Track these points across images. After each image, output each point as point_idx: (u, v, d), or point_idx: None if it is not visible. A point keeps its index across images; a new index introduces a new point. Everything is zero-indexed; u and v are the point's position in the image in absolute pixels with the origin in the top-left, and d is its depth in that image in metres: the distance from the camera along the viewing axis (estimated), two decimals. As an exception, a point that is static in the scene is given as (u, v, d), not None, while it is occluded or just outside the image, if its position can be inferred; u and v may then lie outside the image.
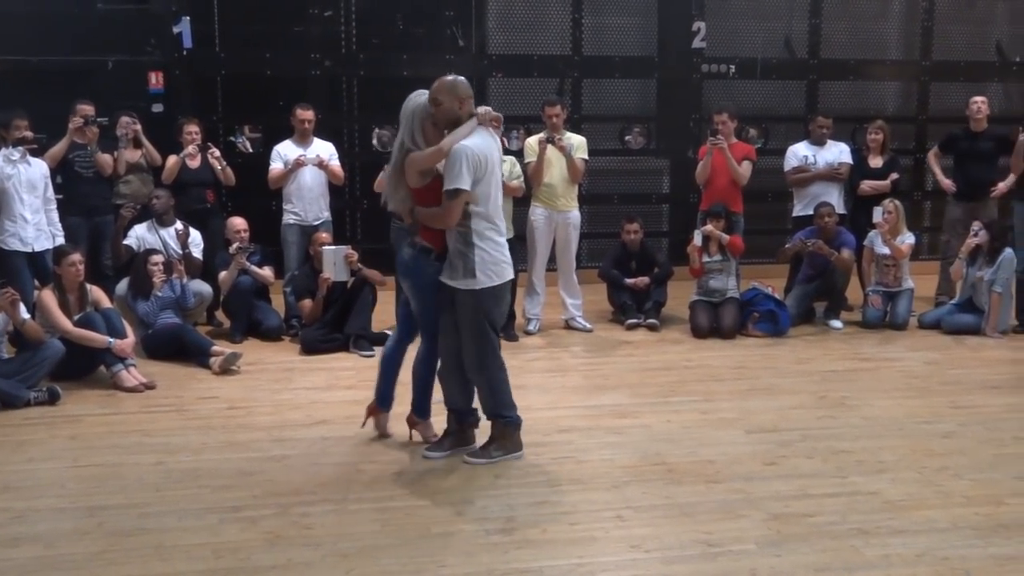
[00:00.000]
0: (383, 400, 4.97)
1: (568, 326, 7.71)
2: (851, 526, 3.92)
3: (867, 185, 8.18)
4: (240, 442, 5.01)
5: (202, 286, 7.29)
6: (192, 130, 7.62)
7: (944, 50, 10.60)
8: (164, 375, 6.27)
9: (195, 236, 7.36)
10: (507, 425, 4.70)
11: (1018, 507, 4.11)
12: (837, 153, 8.21)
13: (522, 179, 7.33)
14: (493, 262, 4.48)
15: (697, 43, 10.04)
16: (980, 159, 8.19)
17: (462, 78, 4.53)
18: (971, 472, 4.53)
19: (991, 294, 7.34)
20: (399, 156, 4.49)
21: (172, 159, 7.58)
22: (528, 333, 7.49)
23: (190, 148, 7.56)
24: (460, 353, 4.59)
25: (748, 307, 7.55)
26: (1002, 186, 8.08)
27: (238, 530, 3.90)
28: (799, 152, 8.28)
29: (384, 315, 7.41)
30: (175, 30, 8.98)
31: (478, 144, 4.41)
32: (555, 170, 7.36)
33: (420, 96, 4.50)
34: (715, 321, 7.45)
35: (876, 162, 8.27)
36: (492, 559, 3.64)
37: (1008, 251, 7.34)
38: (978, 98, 8.24)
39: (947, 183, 8.36)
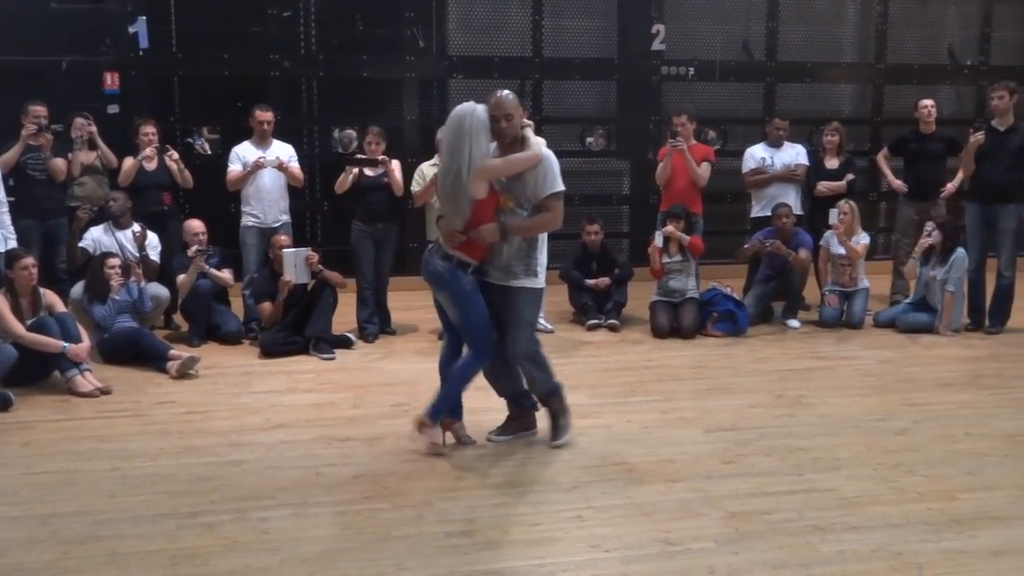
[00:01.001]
0: (454, 411, 4.94)
1: (529, 327, 7.70)
2: (807, 523, 3.97)
3: (823, 186, 8.29)
4: (197, 447, 4.96)
5: (159, 289, 7.21)
6: (149, 131, 7.53)
7: (897, 53, 10.80)
8: (120, 380, 6.18)
9: (152, 239, 7.26)
10: (561, 399, 4.93)
11: (969, 502, 4.19)
12: (794, 155, 8.31)
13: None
14: (545, 265, 4.82)
15: (656, 45, 10.12)
16: (930, 160, 8.40)
17: None
18: (924, 468, 4.61)
19: (944, 293, 7.47)
20: (466, 172, 4.47)
21: (129, 161, 7.49)
22: (489, 334, 7.48)
23: (148, 150, 7.47)
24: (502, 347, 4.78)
25: (707, 307, 7.62)
26: (950, 186, 8.35)
27: (195, 536, 3.86)
28: (756, 154, 8.38)
29: (345, 317, 7.38)
30: (131, 30, 8.86)
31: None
32: (516, 171, 7.36)
33: (479, 108, 4.55)
34: (675, 321, 7.51)
35: (832, 163, 8.39)
36: (453, 561, 3.64)
37: (960, 251, 7.48)
38: (927, 102, 8.43)
39: (898, 184, 8.55)
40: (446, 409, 4.82)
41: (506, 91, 4.64)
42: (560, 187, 4.63)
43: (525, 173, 4.59)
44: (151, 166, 7.54)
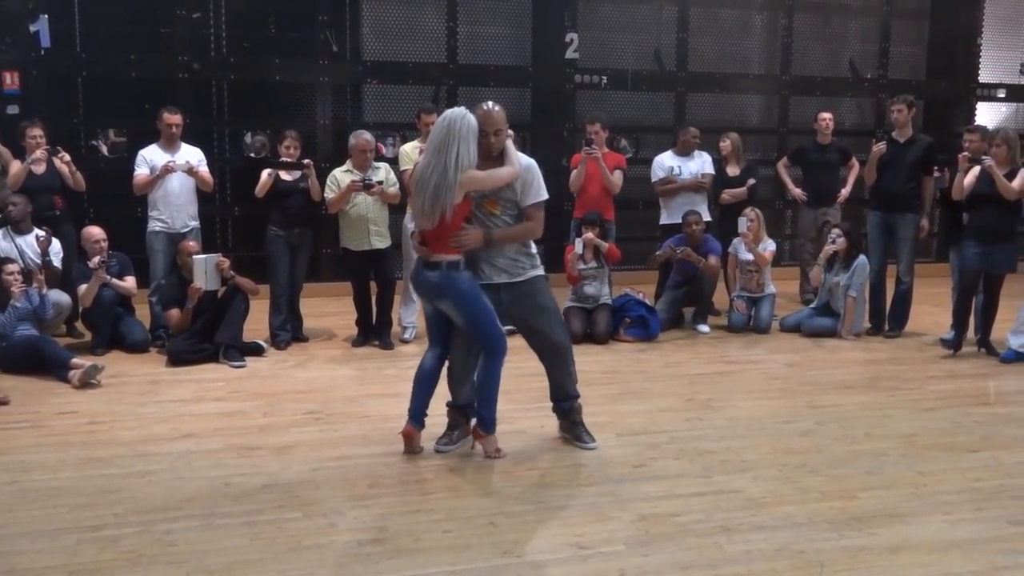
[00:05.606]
0: (418, 418, 4.89)
1: (444, 333, 7.69)
2: (715, 524, 4.05)
3: (727, 194, 8.56)
4: (101, 458, 4.81)
5: (60, 296, 6.99)
6: (36, 134, 7.29)
7: (802, 66, 11.15)
8: (19, 390, 5.97)
9: (55, 244, 7.05)
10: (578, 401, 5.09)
11: (868, 500, 4.33)
12: (701, 164, 8.49)
13: (397, 186, 7.32)
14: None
15: (570, 54, 10.24)
16: (827, 169, 8.92)
17: None
18: (827, 468, 4.75)
19: (846, 298, 7.73)
20: (452, 173, 4.45)
21: (16, 164, 7.24)
22: (404, 341, 7.46)
23: (38, 153, 7.23)
24: (469, 352, 4.87)
25: (620, 313, 7.73)
26: (844, 192, 8.92)
27: (97, 550, 3.75)
28: (665, 163, 8.52)
29: (257, 324, 7.26)
30: (31, 28, 8.58)
31: None
32: (430, 178, 7.34)
33: (471, 115, 4.55)
34: (589, 327, 7.59)
35: (733, 171, 8.66)
36: (365, 570, 3.61)
37: (862, 258, 7.74)
38: (826, 114, 8.93)
39: (798, 192, 9.03)
40: (494, 417, 4.82)
41: (496, 105, 4.67)
42: (544, 196, 4.75)
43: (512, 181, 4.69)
44: (39, 169, 7.30)
